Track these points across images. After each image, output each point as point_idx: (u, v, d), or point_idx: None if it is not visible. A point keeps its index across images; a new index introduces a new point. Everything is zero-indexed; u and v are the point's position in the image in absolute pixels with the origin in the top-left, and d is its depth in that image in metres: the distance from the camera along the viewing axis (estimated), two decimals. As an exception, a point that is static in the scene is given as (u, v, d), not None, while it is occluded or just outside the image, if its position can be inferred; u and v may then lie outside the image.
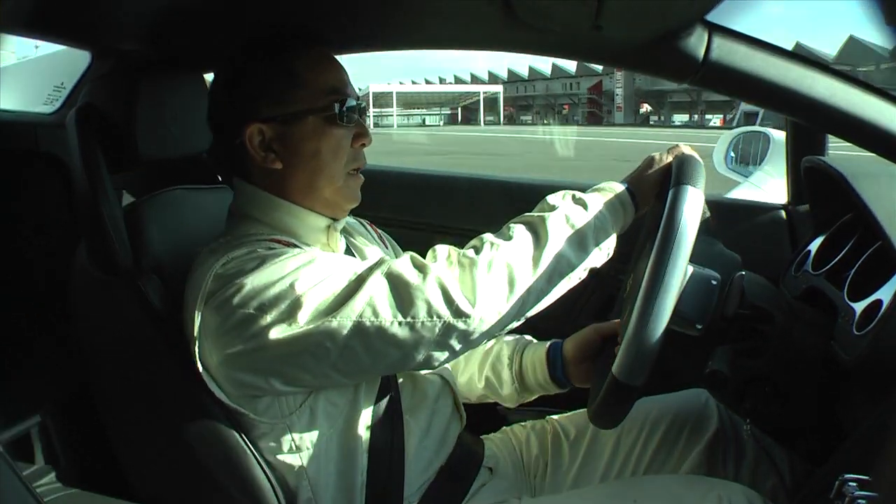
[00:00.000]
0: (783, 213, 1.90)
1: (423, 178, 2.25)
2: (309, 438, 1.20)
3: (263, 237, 1.19)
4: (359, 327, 1.08)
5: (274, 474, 1.23)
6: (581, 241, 1.17)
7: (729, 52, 1.17)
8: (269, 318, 1.08)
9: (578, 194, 1.21)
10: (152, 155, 1.35)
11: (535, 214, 1.19)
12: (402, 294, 1.08)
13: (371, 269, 1.11)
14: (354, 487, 1.23)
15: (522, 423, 1.60)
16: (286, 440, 1.20)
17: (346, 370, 1.13)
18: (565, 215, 1.17)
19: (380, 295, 1.08)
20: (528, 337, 1.55)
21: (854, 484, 0.97)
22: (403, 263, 1.11)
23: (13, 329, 1.45)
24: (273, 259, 1.12)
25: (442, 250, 1.17)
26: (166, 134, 1.38)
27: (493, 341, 1.53)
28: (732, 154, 3.56)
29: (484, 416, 1.60)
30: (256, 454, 1.22)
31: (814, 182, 1.51)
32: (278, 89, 1.22)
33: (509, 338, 1.53)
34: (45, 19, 1.25)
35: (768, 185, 2.93)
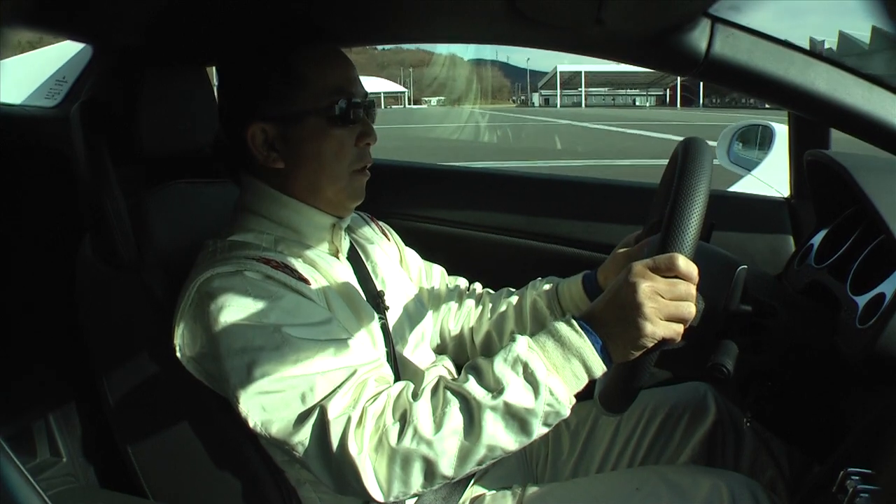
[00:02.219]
0: (785, 207, 1.89)
1: (441, 173, 2.25)
2: None
3: (255, 253, 1.17)
4: (291, 452, 1.08)
5: (273, 467, 1.23)
6: (524, 429, 1.02)
7: (731, 46, 1.17)
8: (221, 377, 1.11)
9: (533, 364, 1.01)
10: (156, 149, 1.35)
11: (474, 393, 1.02)
12: (328, 458, 1.04)
13: (315, 409, 1.05)
14: None
15: None
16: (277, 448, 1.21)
17: None
18: (505, 404, 1.00)
19: (312, 445, 1.05)
20: (553, 279, 1.53)
21: (857, 477, 0.97)
22: (337, 428, 1.03)
23: (16, 323, 1.45)
24: (248, 312, 1.10)
25: (371, 416, 1.04)
26: (170, 128, 1.38)
27: (514, 298, 1.53)
28: (735, 147, 3.55)
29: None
30: (257, 447, 1.22)
31: (816, 175, 1.51)
32: (280, 89, 1.22)
33: (536, 289, 1.51)
34: (47, 13, 1.24)
35: (771, 179, 2.93)
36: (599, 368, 1.03)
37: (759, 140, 3.44)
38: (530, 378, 1.01)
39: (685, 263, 1.00)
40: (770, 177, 2.94)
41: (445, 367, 1.43)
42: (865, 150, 1.33)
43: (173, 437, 1.29)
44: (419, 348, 1.40)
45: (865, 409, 1.21)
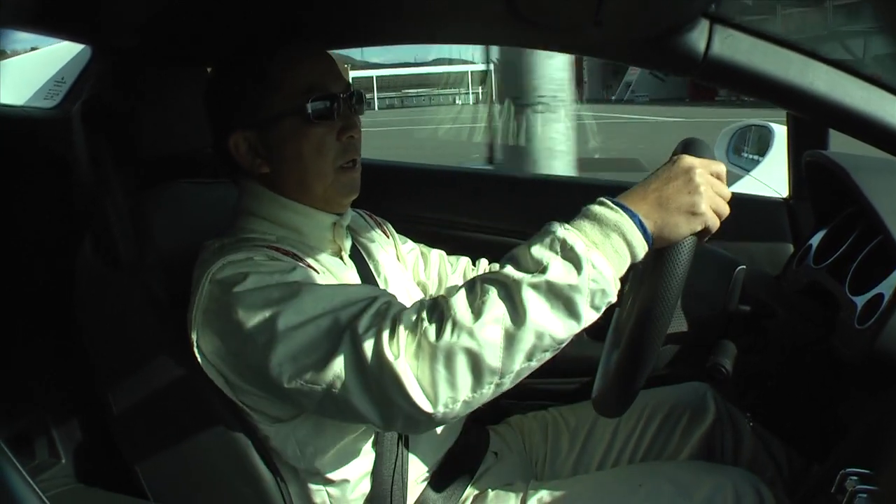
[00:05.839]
0: (784, 208, 1.89)
1: (436, 174, 2.24)
2: (312, 445, 1.20)
3: (262, 243, 1.18)
4: (329, 396, 1.04)
5: (278, 471, 1.23)
6: (571, 310, 0.97)
7: (730, 47, 1.17)
8: (248, 349, 1.09)
9: (571, 240, 0.97)
10: (157, 149, 1.35)
11: (513, 276, 0.97)
12: (367, 379, 1.01)
13: (344, 333, 1.02)
14: (361, 479, 1.24)
15: (524, 415, 1.61)
16: (290, 444, 1.21)
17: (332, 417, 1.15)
18: (547, 283, 0.95)
19: (349, 371, 1.02)
20: None
21: (855, 478, 0.97)
22: (370, 340, 1.00)
23: (14, 326, 1.45)
24: (264, 279, 1.10)
25: (405, 323, 1.01)
26: (170, 128, 1.38)
27: None
28: (734, 147, 3.55)
29: (488, 409, 1.61)
30: (262, 451, 1.22)
31: (815, 176, 1.51)
32: (253, 96, 1.22)
33: None
34: (45, 14, 1.24)
35: (769, 179, 2.93)
36: (641, 245, 0.99)
37: (758, 141, 3.44)
38: (570, 254, 0.96)
39: (725, 172, 1.06)
40: (769, 177, 2.94)
41: None
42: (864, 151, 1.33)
43: (175, 438, 1.29)
44: None
45: (863, 410, 1.21)
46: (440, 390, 0.98)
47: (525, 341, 0.97)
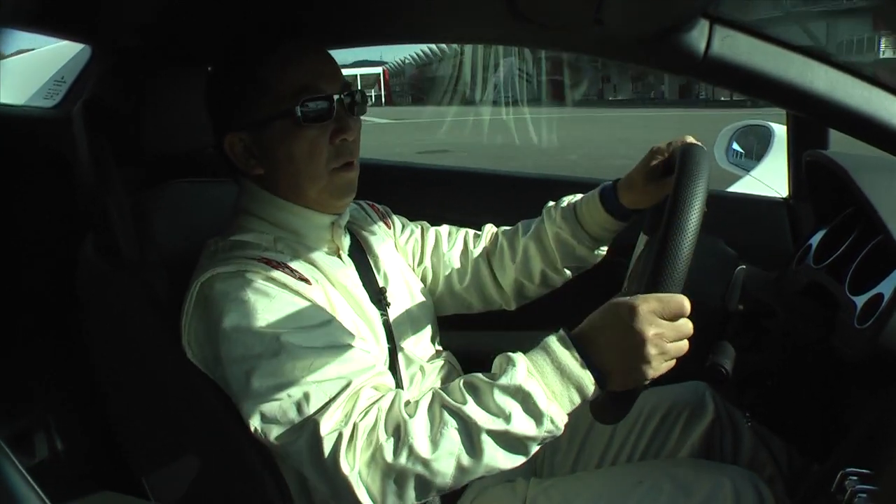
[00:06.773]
0: (784, 207, 1.89)
1: (435, 174, 2.24)
2: None
3: (255, 252, 1.18)
4: (289, 459, 1.11)
5: (278, 470, 1.23)
6: (522, 451, 1.04)
7: (730, 46, 1.17)
8: (228, 383, 1.13)
9: (535, 395, 1.00)
10: (158, 148, 1.35)
11: (473, 417, 1.01)
12: (323, 472, 1.05)
13: (308, 422, 1.05)
14: None
15: None
16: None
17: None
18: (506, 432, 1.01)
19: (306, 458, 1.06)
20: (564, 203, 1.47)
21: (855, 478, 0.97)
22: (330, 445, 1.03)
23: (14, 326, 1.45)
24: (248, 317, 1.11)
25: (363, 432, 1.03)
26: (172, 128, 1.38)
27: (532, 234, 1.48)
28: (734, 147, 3.54)
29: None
30: (262, 450, 1.22)
31: (815, 176, 1.51)
32: (247, 98, 1.22)
33: (552, 220, 1.46)
34: (45, 14, 1.24)
35: (769, 179, 2.93)
36: (594, 393, 1.03)
37: (758, 140, 3.43)
38: (532, 409, 1.01)
39: (688, 306, 1.01)
40: (769, 177, 2.94)
41: (448, 361, 1.43)
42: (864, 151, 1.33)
43: (174, 437, 1.29)
44: (421, 343, 1.40)
45: (863, 410, 1.21)
46: (388, 500, 1.03)
47: (475, 473, 1.03)
